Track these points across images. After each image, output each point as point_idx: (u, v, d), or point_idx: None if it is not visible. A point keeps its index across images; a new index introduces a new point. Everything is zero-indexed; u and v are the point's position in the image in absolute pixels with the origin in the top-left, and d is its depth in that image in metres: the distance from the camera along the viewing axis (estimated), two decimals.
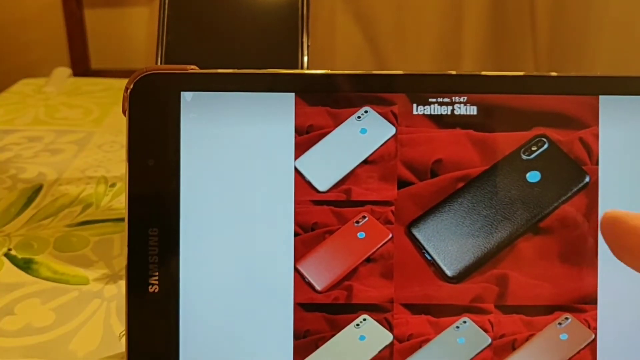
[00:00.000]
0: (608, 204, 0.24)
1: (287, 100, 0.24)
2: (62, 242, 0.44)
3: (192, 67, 0.24)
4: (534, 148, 0.24)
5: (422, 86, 0.24)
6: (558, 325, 0.24)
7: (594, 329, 0.24)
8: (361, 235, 0.24)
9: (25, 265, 0.42)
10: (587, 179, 0.24)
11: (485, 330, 0.24)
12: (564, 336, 0.24)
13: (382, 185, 0.24)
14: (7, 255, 0.43)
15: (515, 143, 0.24)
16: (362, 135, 0.24)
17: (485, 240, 0.24)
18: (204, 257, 0.24)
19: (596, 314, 0.24)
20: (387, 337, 0.24)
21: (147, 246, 0.24)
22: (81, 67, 1.25)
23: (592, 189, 0.24)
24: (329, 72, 0.24)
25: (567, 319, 0.24)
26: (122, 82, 0.54)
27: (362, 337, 0.24)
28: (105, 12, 1.33)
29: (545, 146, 0.24)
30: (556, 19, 1.16)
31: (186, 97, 0.24)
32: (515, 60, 1.22)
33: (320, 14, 1.24)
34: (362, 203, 0.24)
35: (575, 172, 0.24)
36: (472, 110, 0.24)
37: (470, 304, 0.24)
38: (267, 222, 0.24)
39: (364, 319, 0.24)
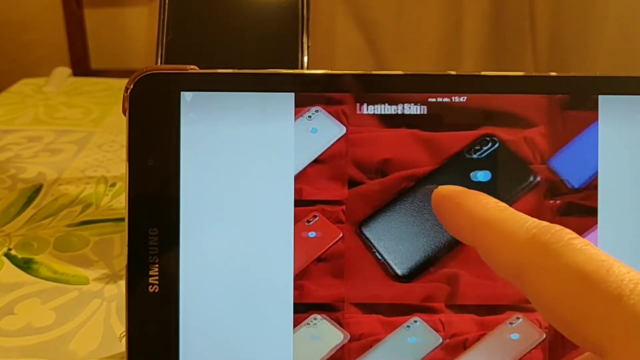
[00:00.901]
0: (607, 203, 0.24)
1: (287, 100, 0.24)
2: (62, 242, 0.44)
3: (192, 67, 0.24)
4: (480, 147, 0.24)
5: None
6: (509, 325, 0.24)
7: (545, 329, 0.24)
8: (312, 234, 0.24)
9: (25, 265, 0.42)
10: (535, 179, 0.24)
11: (436, 330, 0.24)
12: (515, 336, 0.24)
13: (332, 184, 0.24)
14: (7, 255, 0.43)
15: (463, 142, 0.24)
16: (312, 134, 0.24)
17: (435, 240, 0.24)
18: (204, 257, 0.24)
19: None
20: (338, 336, 0.24)
21: (147, 246, 0.24)
22: (81, 67, 1.26)
23: (590, 188, 0.24)
24: (328, 72, 0.24)
25: (518, 318, 0.24)
26: (122, 82, 0.54)
27: (314, 337, 0.24)
28: (105, 12, 1.33)
29: (493, 145, 0.24)
30: (555, 20, 1.16)
31: (186, 97, 0.24)
32: (515, 62, 1.22)
33: (321, 15, 1.24)
34: (312, 202, 0.24)
35: (523, 171, 0.24)
36: (421, 109, 0.24)
37: (421, 304, 0.24)
38: (267, 221, 0.24)
39: (315, 318, 0.24)
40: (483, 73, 0.24)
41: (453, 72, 0.24)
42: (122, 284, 0.40)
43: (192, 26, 0.42)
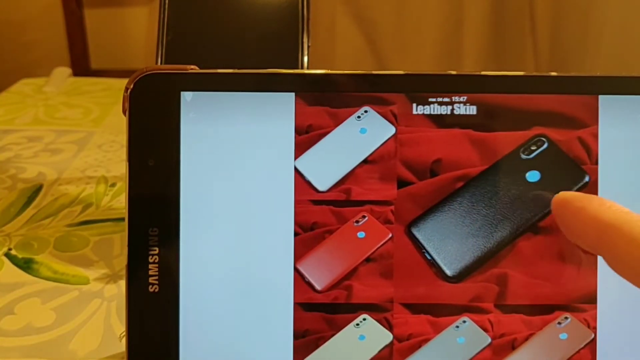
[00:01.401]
0: None
1: (287, 100, 0.24)
2: (62, 242, 0.44)
3: (192, 67, 0.24)
4: (533, 147, 0.24)
5: (421, 86, 0.24)
6: (558, 325, 0.24)
7: (594, 329, 0.24)
8: (361, 235, 0.24)
9: (26, 265, 0.42)
10: (586, 179, 0.24)
11: (485, 330, 0.24)
12: (563, 335, 0.24)
13: (381, 184, 0.24)
14: (7, 255, 0.43)
15: (515, 142, 0.24)
16: (361, 135, 0.24)
17: (485, 240, 0.24)
18: (204, 257, 0.24)
19: (596, 314, 0.24)
20: (387, 336, 0.24)
21: (147, 246, 0.24)
22: (81, 67, 1.26)
23: (591, 188, 0.24)
24: (329, 72, 0.24)
25: (566, 318, 0.24)
26: (122, 82, 0.54)
27: (361, 337, 0.24)
28: (105, 12, 1.33)
29: (545, 146, 0.24)
30: (556, 20, 1.16)
31: (186, 97, 0.24)
32: (515, 62, 1.22)
33: (321, 15, 1.24)
34: (361, 203, 0.24)
35: (574, 171, 0.24)
36: (472, 110, 0.24)
37: (470, 304, 0.24)
38: (267, 221, 0.24)
39: (364, 319, 0.24)
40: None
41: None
42: (122, 284, 0.40)
43: (192, 26, 0.42)
